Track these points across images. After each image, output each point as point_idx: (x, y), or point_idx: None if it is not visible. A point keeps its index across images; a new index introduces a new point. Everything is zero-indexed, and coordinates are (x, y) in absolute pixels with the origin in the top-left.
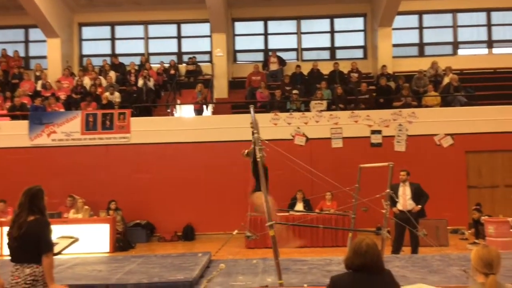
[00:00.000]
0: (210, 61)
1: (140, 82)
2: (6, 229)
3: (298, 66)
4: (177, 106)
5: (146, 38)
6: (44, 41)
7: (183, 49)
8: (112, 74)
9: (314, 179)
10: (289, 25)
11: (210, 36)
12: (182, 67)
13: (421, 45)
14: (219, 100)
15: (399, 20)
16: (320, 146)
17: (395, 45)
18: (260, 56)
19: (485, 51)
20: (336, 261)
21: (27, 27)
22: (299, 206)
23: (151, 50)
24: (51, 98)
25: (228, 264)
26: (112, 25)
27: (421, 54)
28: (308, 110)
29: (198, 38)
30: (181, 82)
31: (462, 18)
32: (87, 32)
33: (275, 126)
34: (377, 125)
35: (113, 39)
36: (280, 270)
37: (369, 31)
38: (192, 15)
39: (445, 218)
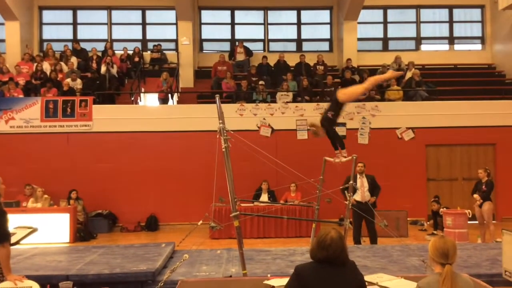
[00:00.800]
0: (176, 50)
1: (103, 69)
2: None
3: (264, 57)
4: (141, 95)
5: (110, 23)
6: (2, 24)
7: (148, 36)
8: (74, 60)
9: (279, 170)
10: (256, 16)
11: (176, 24)
12: (147, 55)
13: (385, 40)
14: (184, 89)
15: (364, 14)
16: (285, 138)
17: (360, 39)
18: (226, 46)
19: (446, 47)
20: (299, 252)
21: None
22: (264, 197)
23: (114, 36)
24: (11, 83)
25: (192, 254)
26: (74, 9)
27: (385, 48)
28: (274, 101)
29: (163, 26)
30: (145, 70)
31: (425, 14)
32: (47, 15)
33: (241, 116)
34: (342, 117)
35: (75, 23)
36: (244, 260)
37: (335, 24)
38: (157, 1)
39: (405, 210)
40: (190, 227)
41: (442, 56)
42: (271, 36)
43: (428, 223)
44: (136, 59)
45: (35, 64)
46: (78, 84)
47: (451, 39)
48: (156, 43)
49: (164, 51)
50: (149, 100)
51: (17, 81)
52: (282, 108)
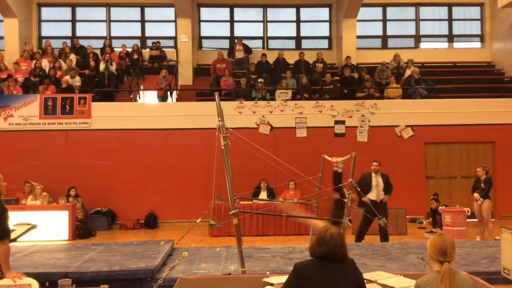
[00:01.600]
0: (175, 47)
1: (102, 66)
2: None
3: (263, 54)
4: (140, 92)
5: (108, 21)
6: (0, 21)
7: (147, 34)
8: (73, 57)
9: (278, 168)
10: (256, 13)
11: (174, 21)
12: (146, 52)
13: (384, 38)
14: (183, 87)
15: (363, 12)
16: (284, 135)
17: (359, 37)
18: (225, 43)
19: (445, 45)
20: (298, 249)
21: None
22: (263, 194)
23: (113, 34)
24: (10, 80)
25: (191, 252)
26: (73, 6)
27: (384, 46)
28: (273, 99)
29: (162, 23)
30: (144, 67)
31: (425, 12)
32: (46, 12)
33: (240, 114)
34: (341, 115)
35: (73, 20)
36: (243, 258)
37: (334, 22)
38: None
39: (405, 208)
40: (189, 225)
41: (441, 54)
42: (270, 33)
43: (427, 221)
44: (135, 56)
45: (34, 61)
46: (77, 81)
47: (451, 37)
48: (155, 41)
49: (163, 49)
50: (148, 97)
51: (15, 78)
52: (281, 105)
